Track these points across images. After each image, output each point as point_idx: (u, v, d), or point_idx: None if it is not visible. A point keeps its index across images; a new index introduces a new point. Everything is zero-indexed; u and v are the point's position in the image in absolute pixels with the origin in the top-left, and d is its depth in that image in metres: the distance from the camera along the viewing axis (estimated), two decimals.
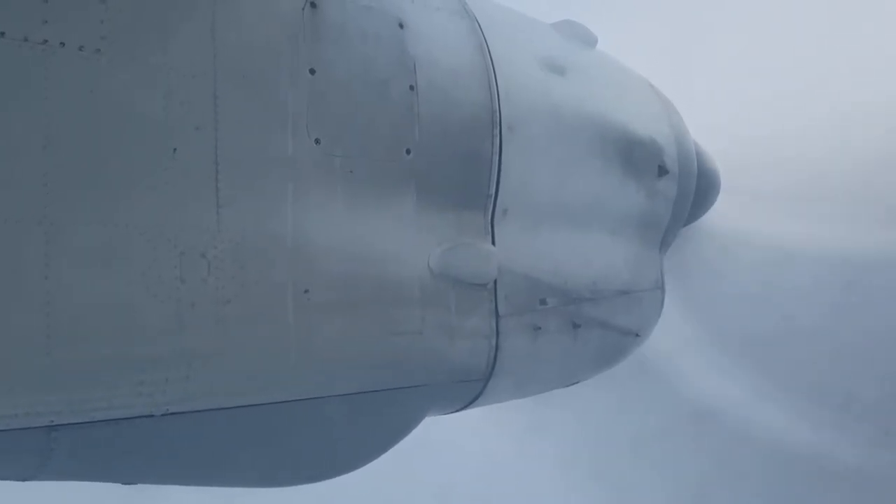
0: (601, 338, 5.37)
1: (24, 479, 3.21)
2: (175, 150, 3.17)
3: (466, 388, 4.51)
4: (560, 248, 4.92)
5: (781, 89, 8.63)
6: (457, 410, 4.82)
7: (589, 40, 5.64)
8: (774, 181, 8.33)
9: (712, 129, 6.98)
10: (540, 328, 4.74)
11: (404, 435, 4.32)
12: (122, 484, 3.61)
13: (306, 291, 3.58)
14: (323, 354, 3.71)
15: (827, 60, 8.46)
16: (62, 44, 2.91)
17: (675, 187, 5.86)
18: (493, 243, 4.45)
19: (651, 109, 5.89)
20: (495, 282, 4.44)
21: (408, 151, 3.99)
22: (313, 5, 3.68)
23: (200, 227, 3.26)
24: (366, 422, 4.09)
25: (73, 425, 3.04)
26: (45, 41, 2.87)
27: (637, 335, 5.70)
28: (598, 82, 5.40)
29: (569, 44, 5.41)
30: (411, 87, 4.01)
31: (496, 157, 4.38)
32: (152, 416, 3.22)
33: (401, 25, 4.04)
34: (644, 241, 5.77)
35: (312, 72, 3.64)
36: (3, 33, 2.81)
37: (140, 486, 3.67)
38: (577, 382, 5.70)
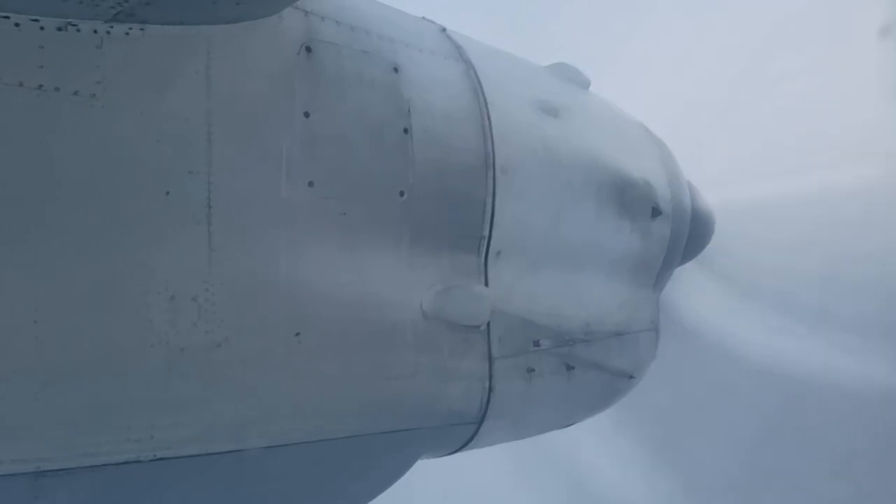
0: (595, 379, 5.33)
1: None
2: (168, 193, 3.18)
3: (460, 430, 4.47)
4: (554, 290, 4.91)
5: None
6: (450, 453, 4.77)
7: (582, 83, 5.69)
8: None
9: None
10: (534, 370, 4.71)
11: (397, 478, 4.27)
12: None
13: (298, 335, 3.56)
14: (314, 399, 3.68)
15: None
16: (57, 89, 2.93)
17: (668, 228, 5.87)
18: (487, 285, 4.45)
19: (645, 151, 5.92)
20: (489, 324, 4.43)
21: (401, 194, 4.00)
22: (308, 49, 3.71)
23: (192, 270, 3.25)
24: (358, 466, 4.04)
25: (61, 471, 3.00)
26: (41, 86, 2.89)
27: (631, 377, 5.66)
28: (592, 124, 5.44)
29: (562, 86, 5.46)
30: (405, 131, 4.03)
31: (490, 200, 4.39)
32: (140, 461, 3.18)
33: (395, 69, 4.07)
34: (638, 281, 5.77)
35: (307, 115, 3.66)
36: None
37: None
38: (571, 425, 5.67)
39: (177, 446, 3.26)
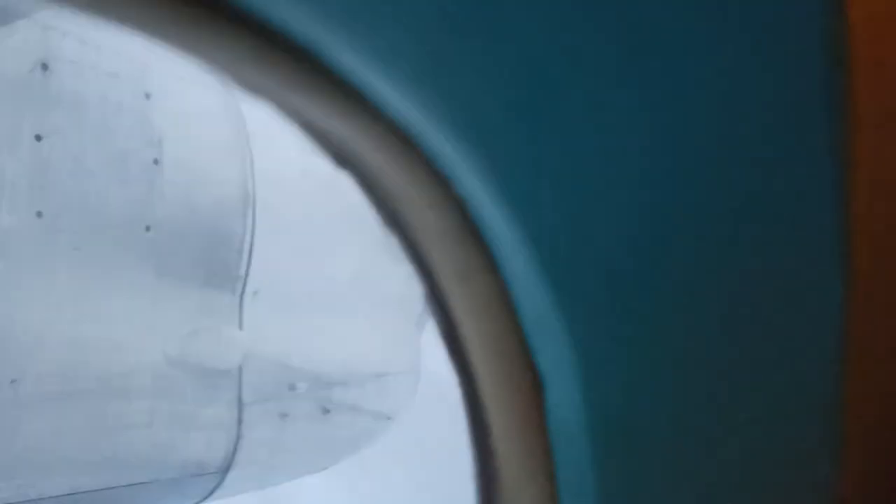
0: (352, 422, 5.29)
1: None
2: None
3: (202, 481, 4.22)
4: (313, 332, 4.82)
5: None
6: None
7: None
8: None
9: None
10: (287, 415, 4.57)
11: None
12: None
13: (13, 382, 3.18)
14: (30, 453, 3.30)
15: None
16: None
17: None
18: (242, 326, 4.26)
19: None
20: (240, 368, 4.24)
21: (147, 229, 3.73)
22: (45, 67, 3.37)
23: None
24: None
25: None
26: None
27: (389, 418, 5.68)
28: None
29: None
30: (155, 161, 3.78)
31: (248, 238, 4.23)
32: None
33: (147, 96, 3.81)
34: (399, 323, 5.82)
35: (39, 138, 3.31)
36: None
37: None
38: (325, 468, 5.57)
39: None
